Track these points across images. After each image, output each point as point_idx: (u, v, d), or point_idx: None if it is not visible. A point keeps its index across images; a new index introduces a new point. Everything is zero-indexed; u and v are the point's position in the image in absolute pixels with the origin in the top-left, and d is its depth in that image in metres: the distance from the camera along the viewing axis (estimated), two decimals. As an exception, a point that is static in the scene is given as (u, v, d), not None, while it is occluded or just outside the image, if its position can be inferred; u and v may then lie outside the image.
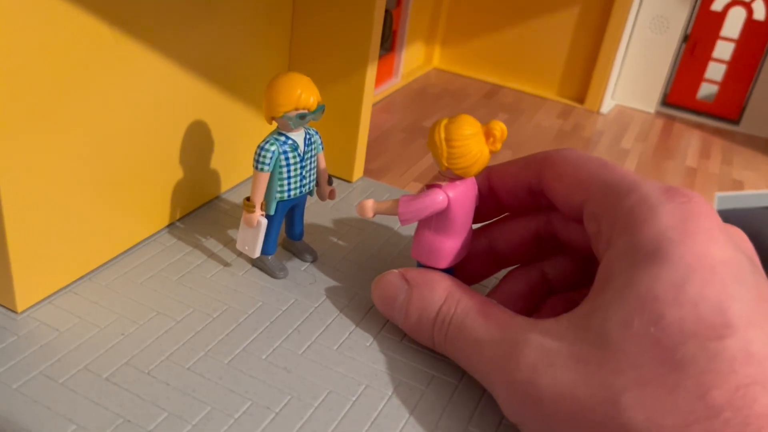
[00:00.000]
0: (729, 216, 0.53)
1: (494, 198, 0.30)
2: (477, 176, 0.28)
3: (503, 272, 0.31)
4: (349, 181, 0.42)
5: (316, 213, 0.37)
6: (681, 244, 0.20)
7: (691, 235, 0.20)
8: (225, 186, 0.38)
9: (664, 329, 0.19)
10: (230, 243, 0.34)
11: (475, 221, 0.30)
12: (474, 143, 0.26)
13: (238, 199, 0.38)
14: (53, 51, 0.25)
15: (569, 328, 0.22)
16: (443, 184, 0.27)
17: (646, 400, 0.19)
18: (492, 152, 0.26)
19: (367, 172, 0.48)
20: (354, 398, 0.25)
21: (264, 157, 0.29)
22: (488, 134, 0.26)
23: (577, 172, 0.25)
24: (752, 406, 0.18)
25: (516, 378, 0.22)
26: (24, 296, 0.27)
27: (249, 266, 0.32)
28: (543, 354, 0.22)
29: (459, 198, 0.27)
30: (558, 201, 0.26)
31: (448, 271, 0.28)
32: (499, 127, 0.26)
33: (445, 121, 0.26)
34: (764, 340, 0.19)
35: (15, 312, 0.27)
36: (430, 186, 0.27)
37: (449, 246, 0.28)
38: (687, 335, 0.19)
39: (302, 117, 0.29)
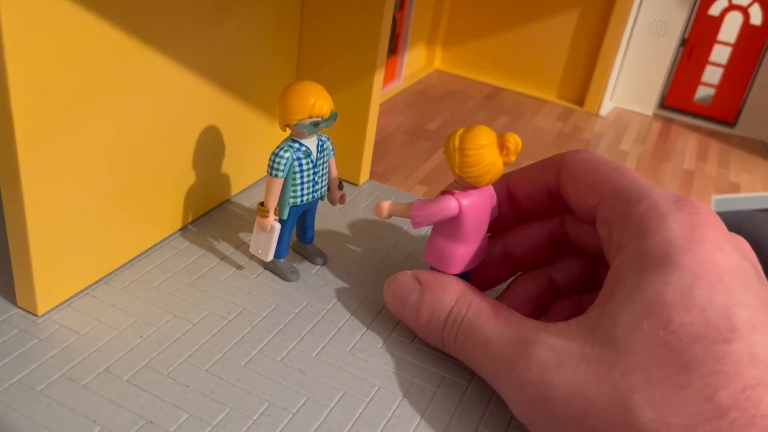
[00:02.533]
0: (726, 219, 0.53)
1: (514, 205, 0.30)
2: (495, 185, 0.28)
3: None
4: (356, 184, 0.42)
5: (324, 216, 0.38)
6: (689, 252, 0.21)
7: (699, 244, 0.21)
8: (235, 189, 0.39)
9: (672, 332, 0.20)
10: (242, 246, 0.34)
11: (495, 230, 0.30)
12: (487, 153, 0.26)
13: (247, 202, 0.39)
14: (74, 60, 0.25)
15: (579, 330, 0.23)
16: (457, 191, 0.27)
17: (656, 400, 0.20)
18: (506, 164, 0.27)
19: (373, 174, 0.48)
20: (368, 399, 0.26)
21: (278, 163, 0.29)
22: (502, 146, 0.26)
23: (590, 175, 0.26)
24: (758, 406, 0.19)
25: (526, 377, 0.23)
26: (44, 300, 0.28)
27: (261, 269, 0.33)
28: (553, 354, 0.22)
29: (472, 206, 0.27)
30: (572, 203, 0.27)
31: (463, 277, 0.29)
32: (514, 140, 0.26)
33: (461, 131, 0.27)
34: None
35: (35, 315, 0.28)
36: (444, 192, 0.28)
37: (461, 253, 0.28)
38: (695, 338, 0.20)
39: (316, 125, 0.29)
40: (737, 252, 0.21)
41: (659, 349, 0.20)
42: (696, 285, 0.20)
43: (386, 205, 0.29)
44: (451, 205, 0.27)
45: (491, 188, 0.28)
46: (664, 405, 0.20)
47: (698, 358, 0.20)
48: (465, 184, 0.27)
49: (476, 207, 0.28)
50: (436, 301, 0.27)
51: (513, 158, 0.26)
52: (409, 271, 0.29)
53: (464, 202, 0.27)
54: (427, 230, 0.37)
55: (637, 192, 0.24)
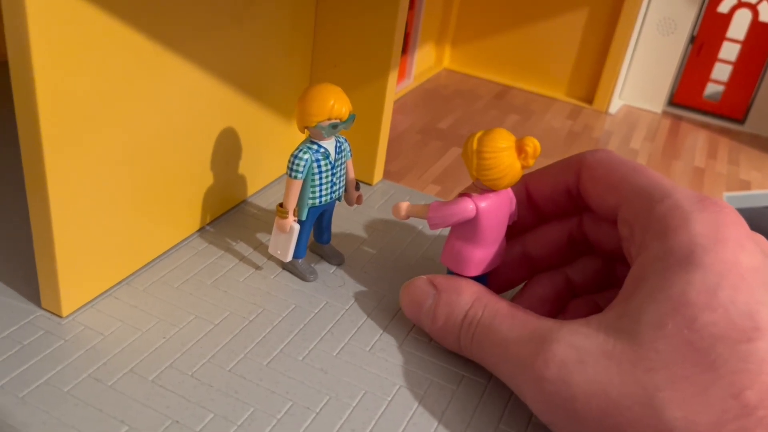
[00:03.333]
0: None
1: (533, 206, 0.30)
2: (513, 187, 0.28)
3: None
4: (369, 184, 0.43)
5: (340, 216, 0.38)
6: (712, 252, 0.21)
7: (722, 244, 0.21)
8: (251, 190, 0.39)
9: (697, 332, 0.20)
10: (260, 246, 0.35)
11: (514, 232, 0.31)
12: (505, 156, 0.26)
13: (264, 202, 0.39)
14: (98, 65, 0.25)
15: (600, 328, 0.23)
16: (474, 194, 0.28)
17: (681, 399, 0.20)
18: (524, 168, 0.27)
19: (386, 174, 0.49)
20: (389, 398, 0.26)
21: (298, 165, 0.30)
22: (520, 149, 0.26)
23: (609, 175, 0.26)
24: None
25: (544, 376, 0.23)
26: (69, 301, 0.28)
27: (279, 269, 0.33)
28: (572, 351, 0.22)
29: (489, 209, 0.28)
30: (592, 203, 0.27)
31: (480, 279, 0.29)
32: (532, 144, 0.26)
33: (480, 134, 0.27)
34: None
35: (60, 317, 0.28)
36: (462, 194, 0.28)
37: (478, 255, 0.28)
38: (718, 338, 0.20)
39: (334, 126, 0.29)
40: (759, 251, 0.22)
41: (683, 347, 0.20)
42: (720, 285, 0.21)
43: (404, 206, 0.29)
44: (468, 207, 0.27)
45: (510, 191, 0.29)
46: (689, 403, 0.20)
47: (723, 357, 0.20)
48: (483, 187, 0.28)
49: (494, 210, 0.28)
50: (452, 303, 0.27)
51: (531, 162, 0.26)
52: (424, 276, 0.29)
53: (482, 204, 0.27)
54: (442, 230, 0.37)
55: (659, 191, 0.24)
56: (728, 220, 0.22)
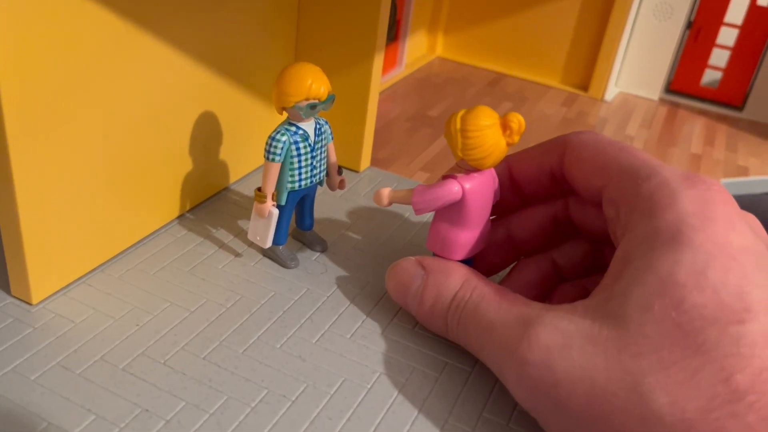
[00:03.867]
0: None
1: (516, 189, 0.29)
2: (497, 168, 0.28)
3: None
4: (356, 171, 0.42)
5: (324, 203, 0.37)
6: (701, 231, 0.20)
7: (712, 222, 0.20)
8: (234, 177, 0.38)
9: (685, 313, 0.19)
10: (240, 234, 0.34)
11: (497, 214, 0.30)
12: (489, 134, 0.25)
13: (246, 190, 0.38)
14: (64, 43, 0.25)
15: (586, 312, 0.22)
16: (459, 175, 0.27)
17: (669, 384, 0.19)
18: (509, 145, 0.26)
19: (374, 161, 0.48)
20: (369, 386, 0.26)
21: (275, 147, 0.29)
22: (505, 126, 0.26)
23: (596, 156, 0.25)
24: None
25: (527, 359, 0.22)
26: (39, 288, 0.27)
27: (260, 256, 0.32)
28: (557, 335, 0.22)
29: (475, 190, 0.27)
30: (578, 185, 0.26)
31: (466, 263, 0.28)
32: (517, 120, 0.25)
33: (462, 112, 0.26)
34: None
35: (30, 304, 0.27)
36: (445, 177, 0.27)
37: (464, 238, 0.28)
38: (708, 320, 0.19)
39: (313, 107, 0.29)
40: (750, 230, 0.21)
41: (671, 331, 0.19)
42: (709, 265, 0.20)
43: (386, 192, 0.28)
44: (453, 189, 0.27)
45: (493, 171, 0.28)
46: (677, 389, 0.19)
47: (712, 340, 0.19)
48: (467, 167, 0.27)
49: (479, 190, 0.27)
50: (440, 285, 0.27)
51: (516, 138, 0.26)
52: (412, 257, 0.28)
53: (467, 185, 0.27)
54: (429, 216, 0.37)
55: (646, 170, 0.23)
56: (717, 198, 0.21)
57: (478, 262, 0.30)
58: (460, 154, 0.26)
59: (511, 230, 0.30)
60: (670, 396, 0.19)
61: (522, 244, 0.30)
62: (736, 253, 0.20)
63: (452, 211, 0.27)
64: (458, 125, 0.26)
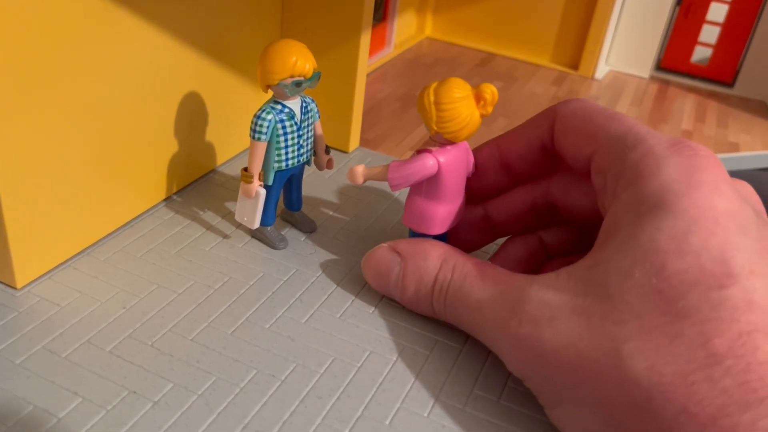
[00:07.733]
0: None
1: (506, 169, 0.29)
2: (484, 151, 0.27)
3: (503, 239, 0.31)
4: (345, 152, 0.41)
5: (313, 184, 0.37)
6: (686, 196, 0.20)
7: (696, 188, 0.20)
8: (221, 159, 0.38)
9: (665, 279, 0.19)
10: (228, 215, 0.33)
11: (486, 197, 0.30)
12: (464, 106, 0.25)
13: (234, 171, 0.38)
14: (38, 20, 0.24)
15: (570, 281, 0.22)
16: (434, 149, 0.26)
17: (648, 349, 0.19)
18: (483, 116, 0.26)
19: (363, 142, 0.47)
20: (359, 364, 0.25)
21: (261, 126, 0.28)
22: (479, 97, 0.25)
23: (585, 125, 0.25)
24: (755, 353, 0.18)
25: (518, 333, 0.22)
26: (23, 272, 0.27)
27: (248, 238, 0.32)
28: (544, 308, 0.22)
29: (450, 163, 0.26)
30: (567, 155, 0.26)
31: (441, 238, 0.28)
32: (490, 90, 0.25)
33: (434, 85, 0.26)
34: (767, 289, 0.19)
35: (14, 288, 0.27)
36: (420, 151, 0.27)
37: (442, 212, 0.27)
38: (689, 285, 0.19)
39: (298, 84, 0.28)
40: (737, 195, 0.21)
41: (652, 297, 0.19)
42: (691, 230, 0.19)
43: (360, 169, 0.28)
44: (428, 163, 0.26)
45: (467, 144, 0.27)
46: (655, 354, 0.19)
47: (692, 305, 0.19)
48: (442, 141, 0.26)
49: (455, 163, 0.27)
50: (420, 270, 0.26)
51: (490, 109, 0.25)
52: (385, 244, 0.28)
53: (442, 159, 0.26)
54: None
55: (633, 138, 0.23)
56: (704, 163, 0.21)
57: (453, 238, 0.30)
58: (434, 127, 0.26)
59: (488, 210, 0.30)
60: (648, 360, 0.19)
61: (499, 225, 0.30)
62: (720, 218, 0.20)
63: (429, 185, 0.27)
64: (432, 98, 0.26)
